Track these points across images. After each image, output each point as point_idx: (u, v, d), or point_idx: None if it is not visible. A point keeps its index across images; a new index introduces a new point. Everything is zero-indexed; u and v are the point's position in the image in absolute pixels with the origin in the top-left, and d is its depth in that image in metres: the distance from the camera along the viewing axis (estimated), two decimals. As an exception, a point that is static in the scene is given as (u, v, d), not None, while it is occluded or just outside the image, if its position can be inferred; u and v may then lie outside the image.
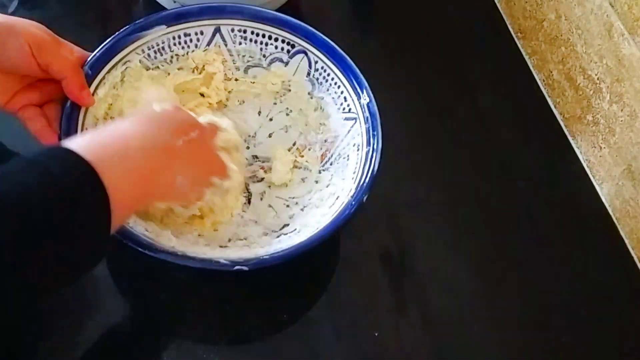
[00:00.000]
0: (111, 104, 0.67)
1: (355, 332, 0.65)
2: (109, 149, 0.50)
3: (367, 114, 0.66)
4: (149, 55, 0.69)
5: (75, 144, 0.48)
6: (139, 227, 0.60)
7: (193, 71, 0.72)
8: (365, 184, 0.62)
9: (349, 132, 0.68)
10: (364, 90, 0.67)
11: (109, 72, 0.66)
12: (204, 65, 0.72)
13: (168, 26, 0.69)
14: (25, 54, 0.59)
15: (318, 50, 0.70)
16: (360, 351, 0.65)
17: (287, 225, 0.66)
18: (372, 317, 0.66)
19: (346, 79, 0.68)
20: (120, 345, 0.63)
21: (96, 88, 0.65)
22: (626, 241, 0.74)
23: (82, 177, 0.47)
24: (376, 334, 0.65)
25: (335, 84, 0.69)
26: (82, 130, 0.63)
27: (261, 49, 0.72)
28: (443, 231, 0.73)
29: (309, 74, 0.71)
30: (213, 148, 0.62)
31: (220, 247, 0.63)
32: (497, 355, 0.66)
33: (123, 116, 0.67)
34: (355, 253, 0.70)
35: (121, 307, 0.65)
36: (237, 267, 0.57)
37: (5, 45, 0.58)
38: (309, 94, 0.72)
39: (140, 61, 0.68)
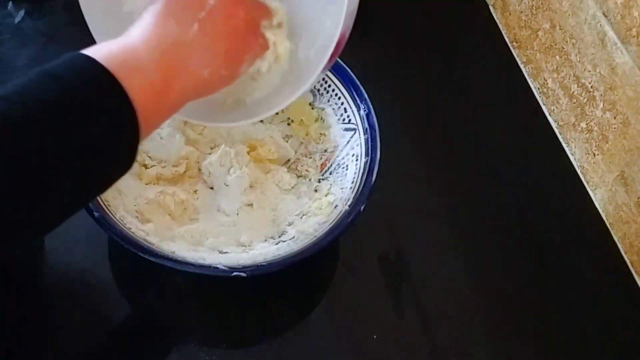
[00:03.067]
0: None
1: (355, 334, 0.66)
2: (120, 59, 0.46)
3: (366, 125, 0.67)
4: None
5: (91, 53, 0.45)
6: (140, 233, 0.61)
7: None
8: (363, 194, 0.63)
9: (348, 142, 0.69)
10: (364, 102, 0.68)
11: None
12: None
13: None
14: None
15: None
16: (359, 354, 0.65)
17: (286, 232, 0.66)
18: (371, 319, 0.67)
19: (347, 90, 0.69)
20: (121, 349, 0.63)
21: None
22: (619, 245, 0.75)
23: (107, 90, 0.45)
24: (375, 337, 0.66)
25: (336, 95, 0.70)
26: None
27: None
28: (440, 235, 0.74)
29: None
30: (240, 14, 0.53)
31: (220, 252, 0.64)
32: (494, 357, 0.67)
33: None
34: (354, 257, 0.70)
35: (122, 311, 0.65)
36: (235, 274, 0.58)
37: None
38: (310, 104, 0.73)
39: None
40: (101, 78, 0.45)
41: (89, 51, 0.46)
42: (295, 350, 0.64)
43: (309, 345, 0.65)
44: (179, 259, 0.58)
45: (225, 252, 0.64)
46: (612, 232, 0.76)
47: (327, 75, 0.71)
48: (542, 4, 0.83)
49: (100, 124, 0.44)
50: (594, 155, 0.77)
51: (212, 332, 0.65)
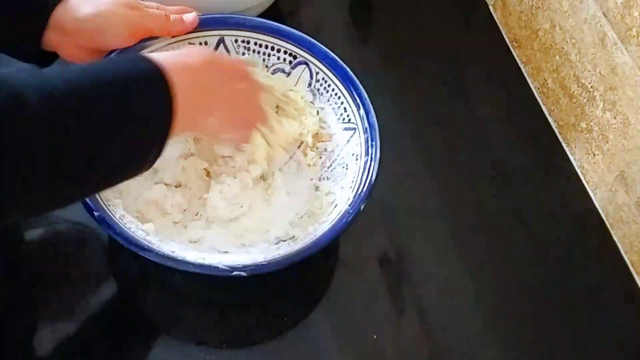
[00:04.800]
0: None
1: (354, 334, 0.66)
2: (177, 70, 0.54)
3: (366, 124, 0.67)
4: None
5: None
6: (140, 232, 0.61)
7: None
8: (362, 193, 0.62)
9: (348, 141, 0.69)
10: (364, 101, 0.68)
11: None
12: None
13: (172, 36, 0.70)
14: (124, 39, 0.66)
15: (319, 61, 0.70)
16: (359, 354, 0.65)
17: (286, 232, 0.66)
18: (371, 319, 0.67)
19: (346, 90, 0.69)
20: (121, 349, 0.63)
21: None
22: (619, 246, 0.75)
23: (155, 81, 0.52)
24: (375, 337, 0.66)
25: (336, 94, 0.70)
26: None
27: (264, 60, 0.72)
28: (440, 235, 0.74)
29: (310, 84, 0.72)
30: (257, 100, 0.65)
31: (220, 252, 0.64)
32: (493, 357, 0.67)
33: None
34: (354, 257, 0.70)
35: (122, 310, 0.65)
36: (235, 273, 0.58)
37: (107, 36, 0.66)
38: (310, 103, 0.72)
39: None
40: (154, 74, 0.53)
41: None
42: (295, 350, 0.64)
43: (309, 345, 0.65)
44: (178, 258, 0.58)
45: (225, 252, 0.64)
46: (612, 232, 0.76)
47: (326, 74, 0.71)
48: (542, 4, 0.83)
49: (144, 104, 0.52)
50: (594, 155, 0.77)
51: (212, 331, 0.65)
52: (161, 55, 0.55)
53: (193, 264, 0.58)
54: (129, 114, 0.50)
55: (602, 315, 0.70)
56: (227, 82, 0.61)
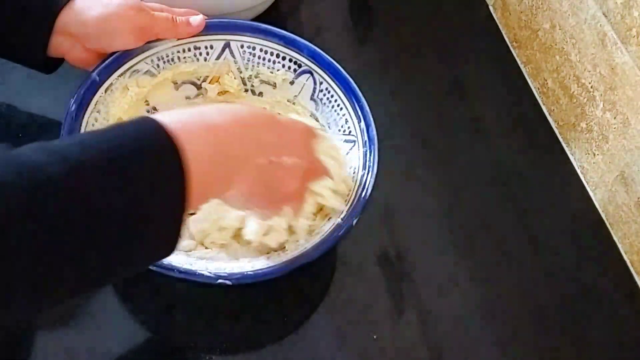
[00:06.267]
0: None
1: (355, 334, 0.66)
2: (194, 133, 0.47)
3: (365, 137, 0.66)
4: (157, 65, 0.69)
5: (165, 117, 0.47)
6: None
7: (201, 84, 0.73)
8: (356, 208, 0.61)
9: (347, 154, 0.68)
10: (365, 114, 0.67)
11: (117, 79, 0.67)
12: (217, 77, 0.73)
13: (179, 38, 0.69)
14: (130, 41, 0.66)
15: (324, 71, 0.70)
16: (360, 354, 0.65)
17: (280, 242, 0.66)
18: (371, 319, 0.67)
19: (349, 101, 0.68)
20: (120, 350, 0.63)
21: (104, 93, 0.66)
22: (619, 246, 0.75)
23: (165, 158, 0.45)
24: (375, 337, 0.66)
25: (338, 106, 0.69)
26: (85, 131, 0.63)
27: (268, 67, 0.72)
28: (440, 235, 0.74)
29: (313, 94, 0.71)
30: (303, 185, 0.57)
31: (210, 259, 0.63)
32: (493, 357, 0.67)
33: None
34: (354, 257, 0.70)
35: (121, 312, 0.65)
36: (220, 281, 0.57)
37: (114, 39, 0.66)
38: (311, 115, 0.72)
39: (148, 70, 0.69)
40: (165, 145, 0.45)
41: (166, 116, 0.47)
42: (296, 350, 0.64)
43: (309, 346, 0.65)
44: (164, 263, 0.57)
45: (216, 259, 0.63)
46: (612, 232, 0.76)
47: (330, 85, 0.70)
48: (542, 4, 0.83)
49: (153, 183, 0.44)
50: (594, 155, 0.77)
51: (212, 332, 0.65)
52: (174, 116, 0.47)
53: (178, 270, 0.57)
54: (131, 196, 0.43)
55: (602, 315, 0.70)
56: (266, 152, 0.52)
